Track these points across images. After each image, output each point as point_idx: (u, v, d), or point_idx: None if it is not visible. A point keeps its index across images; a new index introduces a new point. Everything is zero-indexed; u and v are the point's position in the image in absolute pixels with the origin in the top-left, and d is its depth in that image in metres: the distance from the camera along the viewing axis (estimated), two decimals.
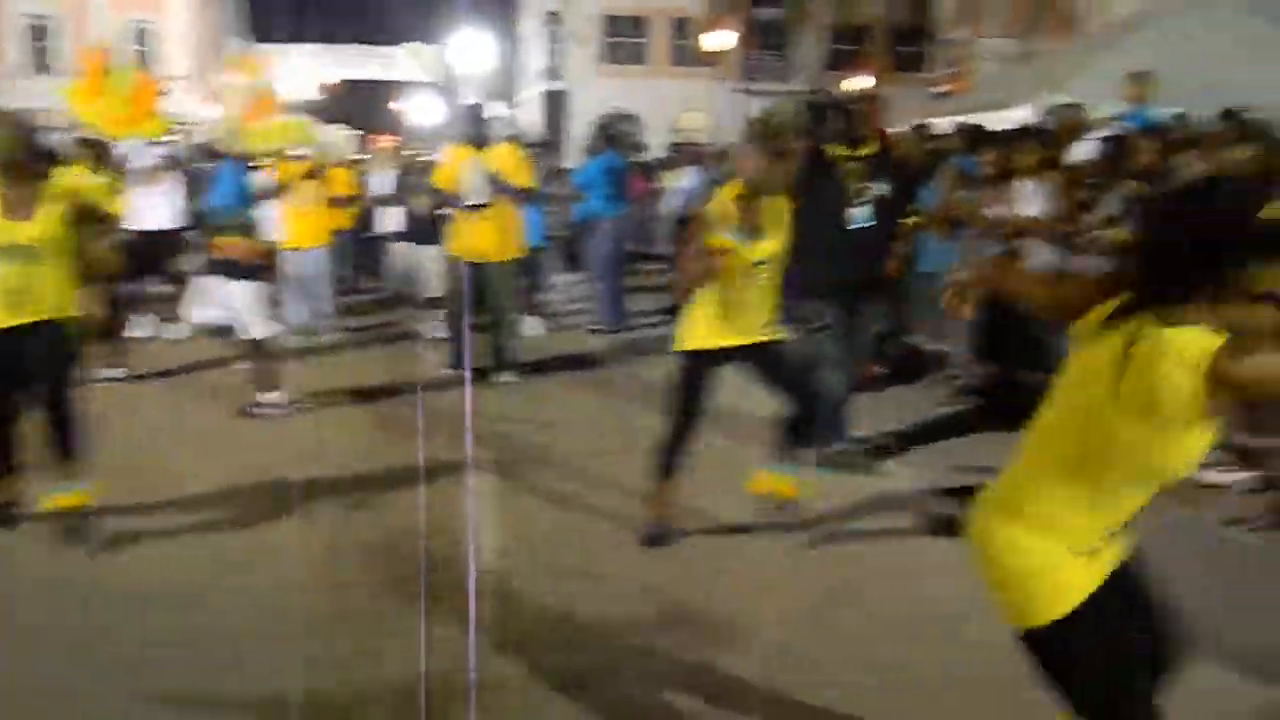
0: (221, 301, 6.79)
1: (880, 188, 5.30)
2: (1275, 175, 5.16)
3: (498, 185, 7.38)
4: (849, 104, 5.49)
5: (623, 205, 10.18)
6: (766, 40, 34.76)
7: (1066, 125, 7.45)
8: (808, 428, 4.67)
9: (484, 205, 7.35)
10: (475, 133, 7.65)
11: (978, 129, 8.35)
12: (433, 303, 9.06)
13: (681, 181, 12.41)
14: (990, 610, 2.35)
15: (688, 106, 34.16)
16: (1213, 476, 5.30)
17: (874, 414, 6.25)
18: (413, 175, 9.79)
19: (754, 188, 4.39)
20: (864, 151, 5.35)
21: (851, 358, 5.65)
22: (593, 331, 9.82)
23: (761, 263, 4.45)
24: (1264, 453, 5.04)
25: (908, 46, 34.52)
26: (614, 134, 11.02)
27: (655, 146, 31.21)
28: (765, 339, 4.57)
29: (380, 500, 5.20)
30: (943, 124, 10.87)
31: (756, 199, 4.41)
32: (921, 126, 10.17)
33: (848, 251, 5.20)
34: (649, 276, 14.82)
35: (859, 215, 5.26)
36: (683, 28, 35.22)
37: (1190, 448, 2.01)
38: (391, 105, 33.92)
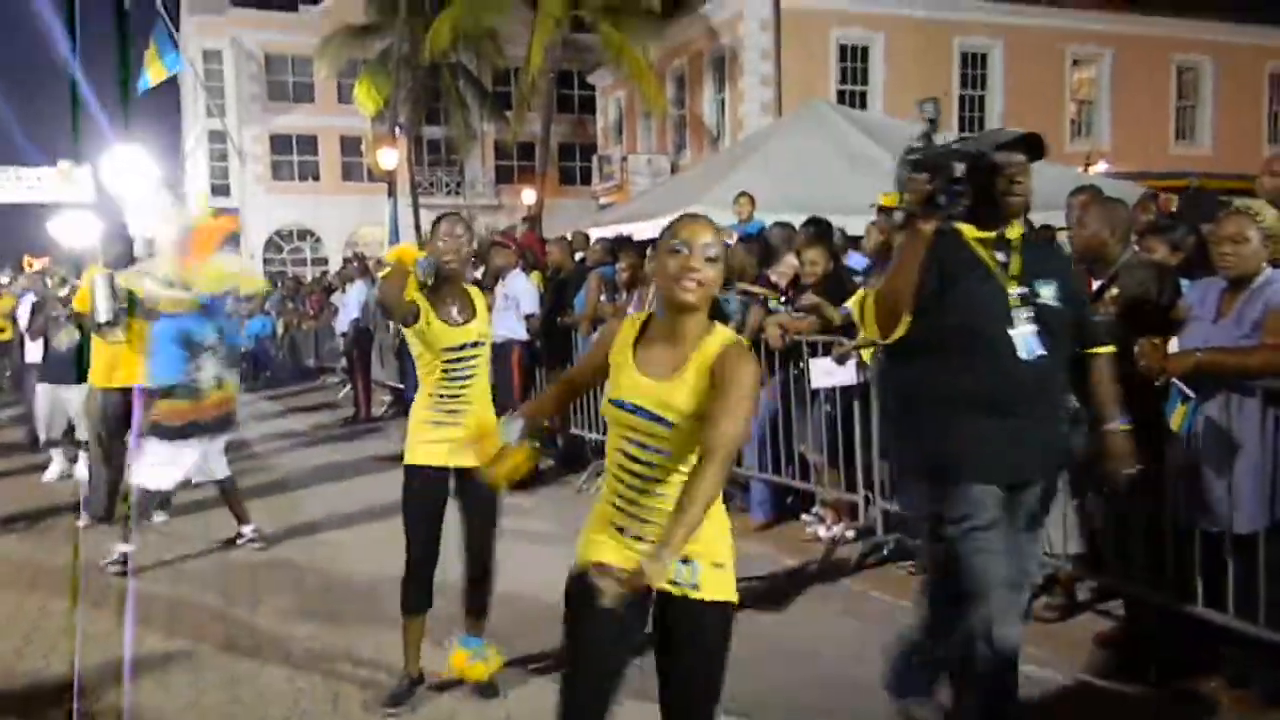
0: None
1: (1048, 291, 3.16)
2: (841, 268, 6.22)
3: (132, 304, 6.74)
4: (998, 161, 3.15)
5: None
6: (436, 157, 35.69)
7: None
8: (483, 591, 4.11)
9: (113, 324, 6.76)
10: (116, 252, 7.10)
11: (616, 239, 9.18)
12: (76, 443, 8.35)
13: (350, 295, 12.59)
14: None
15: (362, 222, 34.27)
16: (813, 530, 6.17)
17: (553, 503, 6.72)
18: (54, 305, 8.57)
19: (448, 274, 4.01)
20: (1012, 235, 3.22)
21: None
22: None
23: (473, 345, 4.04)
24: (854, 506, 5.91)
25: (571, 162, 36.60)
26: None
27: (332, 262, 31.16)
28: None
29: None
30: (605, 233, 11.86)
31: (453, 284, 4.07)
32: (572, 237, 10.97)
33: (1026, 396, 3.08)
34: (329, 391, 14.85)
35: (1028, 339, 3.09)
36: (352, 146, 35.50)
37: None
38: (48, 227, 31.72)
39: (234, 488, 6.53)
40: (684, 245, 2.39)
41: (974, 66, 25.37)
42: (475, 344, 4.03)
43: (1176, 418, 3.87)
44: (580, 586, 2.42)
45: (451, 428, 3.97)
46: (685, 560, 2.42)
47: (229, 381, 6.27)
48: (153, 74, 24.78)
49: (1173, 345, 3.93)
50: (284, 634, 4.88)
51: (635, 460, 2.47)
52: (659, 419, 2.41)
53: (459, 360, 4.00)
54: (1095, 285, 4.32)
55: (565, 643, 2.56)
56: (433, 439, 4.00)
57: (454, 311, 4.03)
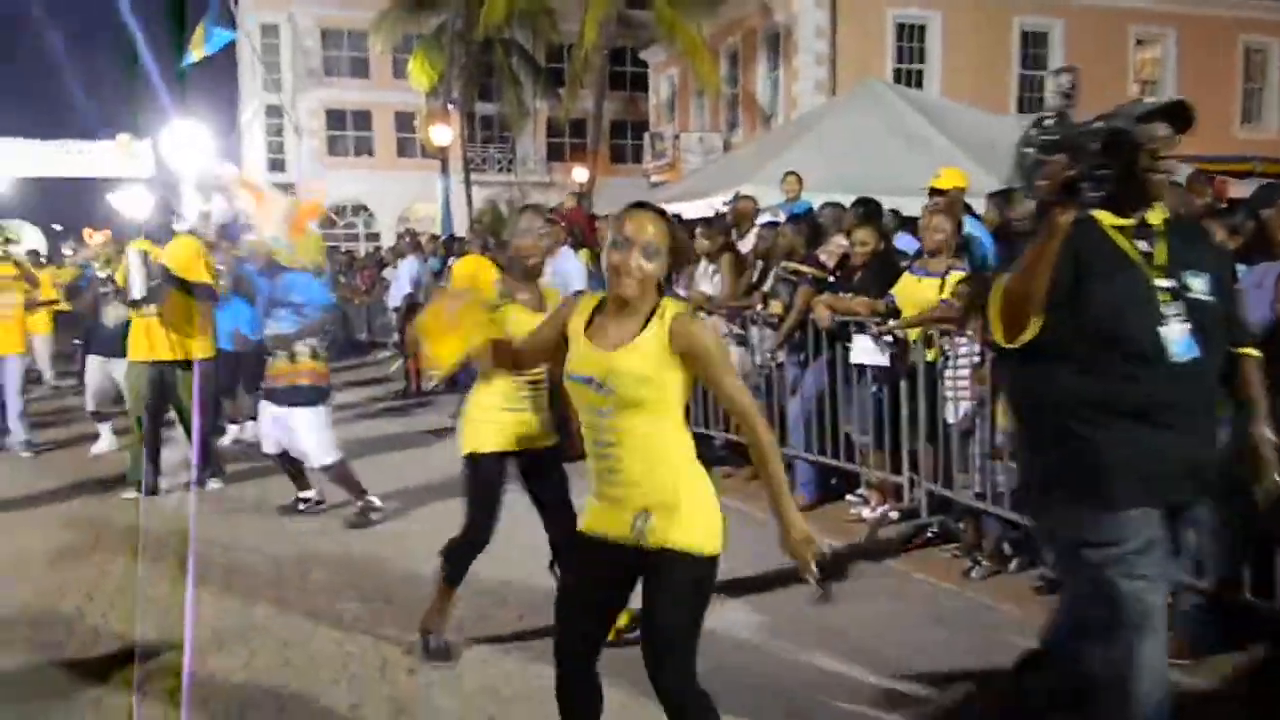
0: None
1: (1199, 284, 2.84)
2: (891, 249, 6.20)
3: (166, 279, 6.94)
4: (1141, 137, 2.80)
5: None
6: (489, 133, 35.84)
7: (739, 214, 8.38)
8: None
9: (147, 301, 6.92)
10: (155, 225, 7.22)
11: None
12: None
13: (402, 270, 12.72)
14: None
15: (416, 198, 34.52)
16: (857, 511, 6.18)
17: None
18: (101, 281, 8.47)
19: (528, 270, 4.17)
20: (1154, 220, 2.89)
21: None
22: None
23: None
24: (898, 488, 5.91)
25: (622, 140, 36.54)
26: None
27: (386, 237, 31.47)
28: (545, 445, 4.22)
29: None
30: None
31: (531, 280, 4.20)
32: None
33: (1178, 403, 2.76)
34: (381, 365, 15.04)
35: (1180, 338, 2.76)
36: (406, 121, 35.73)
37: None
38: (109, 200, 32.45)
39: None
40: (626, 242, 2.59)
41: (1034, 46, 24.91)
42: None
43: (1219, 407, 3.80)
44: (577, 544, 2.86)
45: (521, 413, 4.13)
46: (645, 514, 2.67)
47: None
48: (195, 51, 24.81)
49: None
50: (334, 601, 4.99)
51: (593, 428, 2.70)
52: (601, 385, 2.63)
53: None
54: None
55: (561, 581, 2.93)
56: (503, 424, 4.11)
57: (529, 306, 4.12)
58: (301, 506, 6.56)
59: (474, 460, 4.13)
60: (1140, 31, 25.56)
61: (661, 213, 2.70)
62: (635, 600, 2.80)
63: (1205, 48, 25.38)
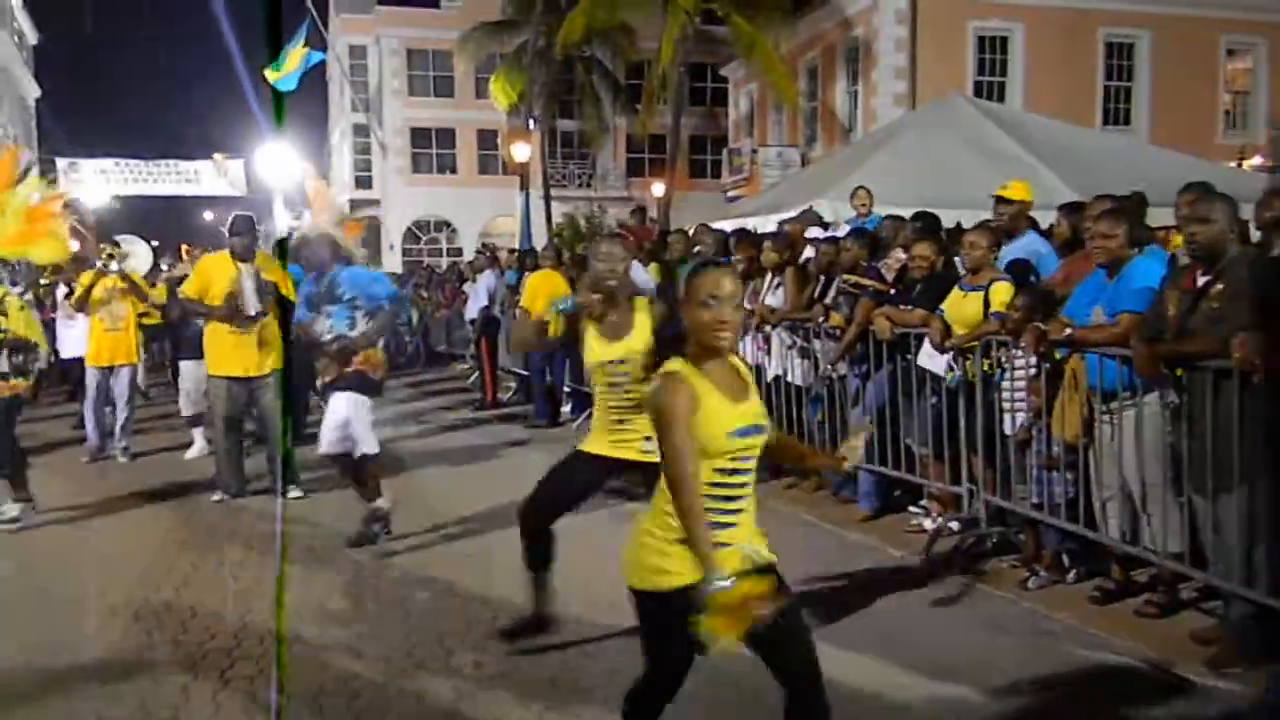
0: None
1: None
2: (949, 262, 6.25)
3: (273, 295, 7.22)
4: None
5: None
6: (569, 149, 36.37)
7: (791, 237, 8.35)
8: None
9: (261, 316, 7.19)
10: (245, 244, 7.33)
11: (734, 231, 9.32)
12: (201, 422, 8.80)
13: (480, 284, 13.02)
14: None
15: (497, 213, 35.17)
16: (918, 522, 6.24)
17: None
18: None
19: (611, 287, 4.26)
20: None
21: None
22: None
23: (619, 362, 4.19)
24: (958, 498, 5.96)
25: (701, 155, 36.77)
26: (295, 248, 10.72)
27: (467, 252, 32.09)
28: (643, 460, 4.10)
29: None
30: (727, 225, 12.01)
31: (613, 298, 4.29)
32: (695, 230, 11.12)
33: None
34: (459, 377, 15.39)
35: None
36: (488, 139, 36.45)
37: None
38: (206, 217, 33.97)
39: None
40: (713, 300, 2.69)
41: (1120, 57, 24.52)
42: (622, 360, 4.17)
43: None
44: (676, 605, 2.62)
45: (618, 431, 4.29)
46: (753, 546, 2.81)
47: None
48: (273, 74, 25.20)
49: None
50: (406, 598, 5.24)
51: (735, 474, 2.75)
52: (760, 428, 2.80)
53: (611, 375, 4.24)
54: (1201, 281, 4.30)
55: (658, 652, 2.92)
56: (601, 436, 4.34)
57: (610, 328, 4.27)
58: (376, 528, 6.19)
59: (572, 452, 4.41)
60: (1231, 41, 24.99)
61: (730, 266, 2.90)
62: None
63: None
